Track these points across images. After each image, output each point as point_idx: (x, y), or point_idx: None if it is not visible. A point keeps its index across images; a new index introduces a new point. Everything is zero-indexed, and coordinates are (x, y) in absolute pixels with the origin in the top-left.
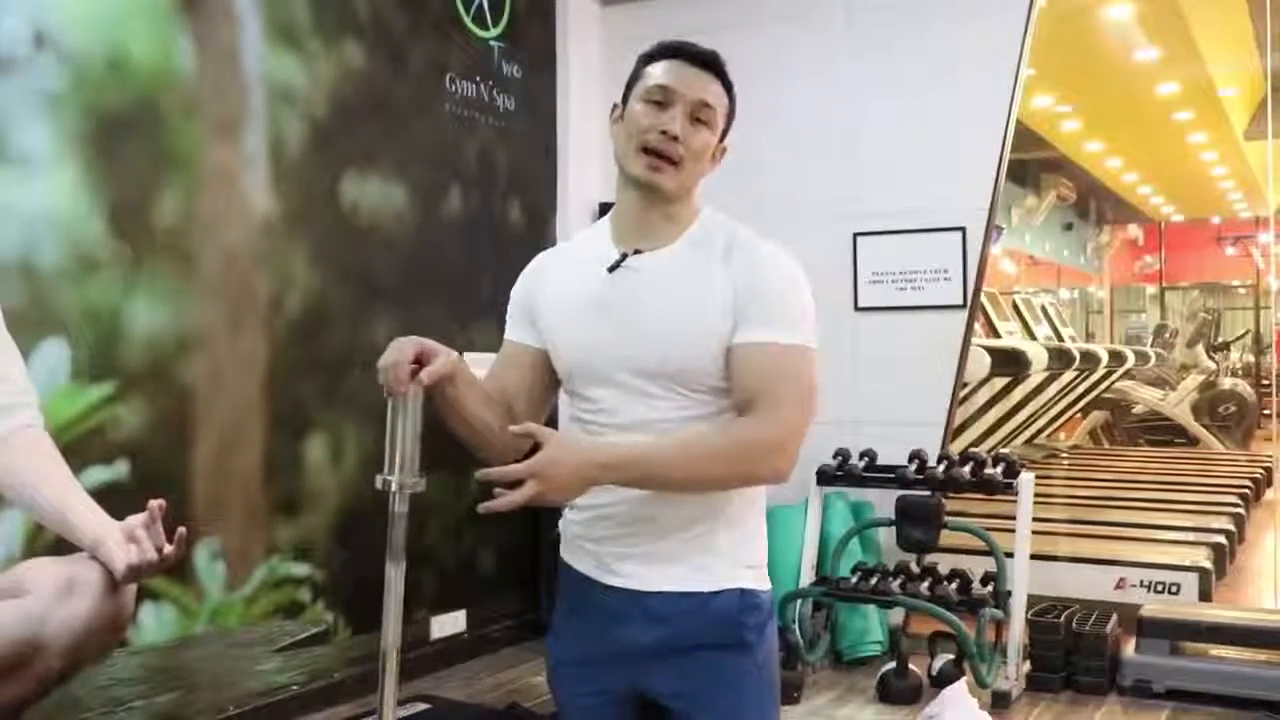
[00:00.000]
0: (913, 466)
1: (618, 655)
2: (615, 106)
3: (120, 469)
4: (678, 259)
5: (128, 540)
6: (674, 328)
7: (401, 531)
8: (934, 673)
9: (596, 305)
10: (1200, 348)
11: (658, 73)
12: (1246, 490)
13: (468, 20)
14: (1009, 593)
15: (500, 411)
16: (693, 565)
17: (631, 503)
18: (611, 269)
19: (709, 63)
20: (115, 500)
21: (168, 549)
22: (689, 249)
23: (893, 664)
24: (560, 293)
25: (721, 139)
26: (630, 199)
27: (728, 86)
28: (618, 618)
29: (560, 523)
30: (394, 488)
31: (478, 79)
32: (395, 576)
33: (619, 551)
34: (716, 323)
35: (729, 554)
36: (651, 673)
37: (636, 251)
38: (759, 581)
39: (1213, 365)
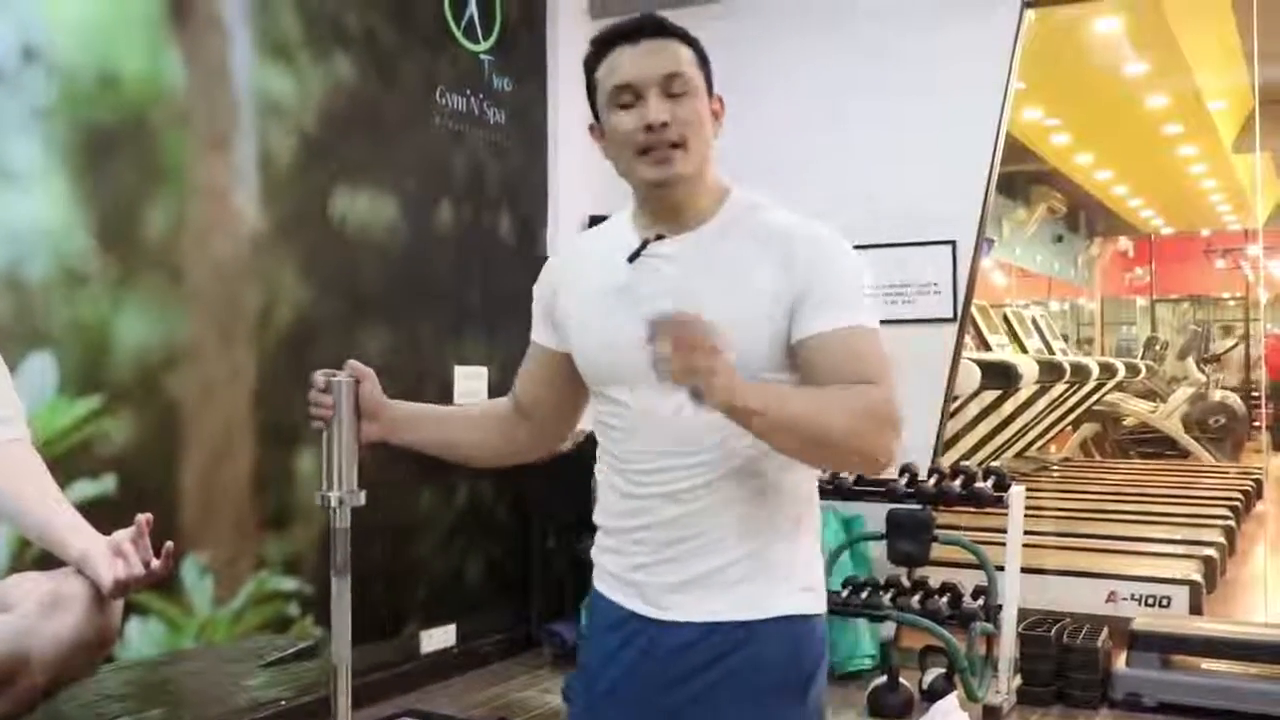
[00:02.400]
0: (903, 480)
1: (664, 694)
2: (592, 126)
3: (108, 483)
4: (709, 242)
5: (115, 555)
6: (713, 318)
7: (344, 546)
8: (925, 686)
9: (617, 297)
10: (1190, 360)
11: (610, 72)
12: (1237, 503)
13: (458, 33)
14: (1000, 606)
15: (499, 427)
16: (744, 590)
17: (666, 524)
18: (632, 258)
19: (652, 29)
20: (102, 515)
21: (155, 564)
22: (720, 231)
23: (884, 678)
24: (581, 288)
25: (709, 91)
26: (647, 197)
27: (680, 35)
28: (665, 655)
29: (592, 552)
30: (334, 503)
31: (468, 92)
32: (342, 591)
33: (662, 581)
34: (766, 310)
35: (784, 575)
36: (699, 715)
37: (659, 237)
38: (817, 605)
39: (1203, 377)
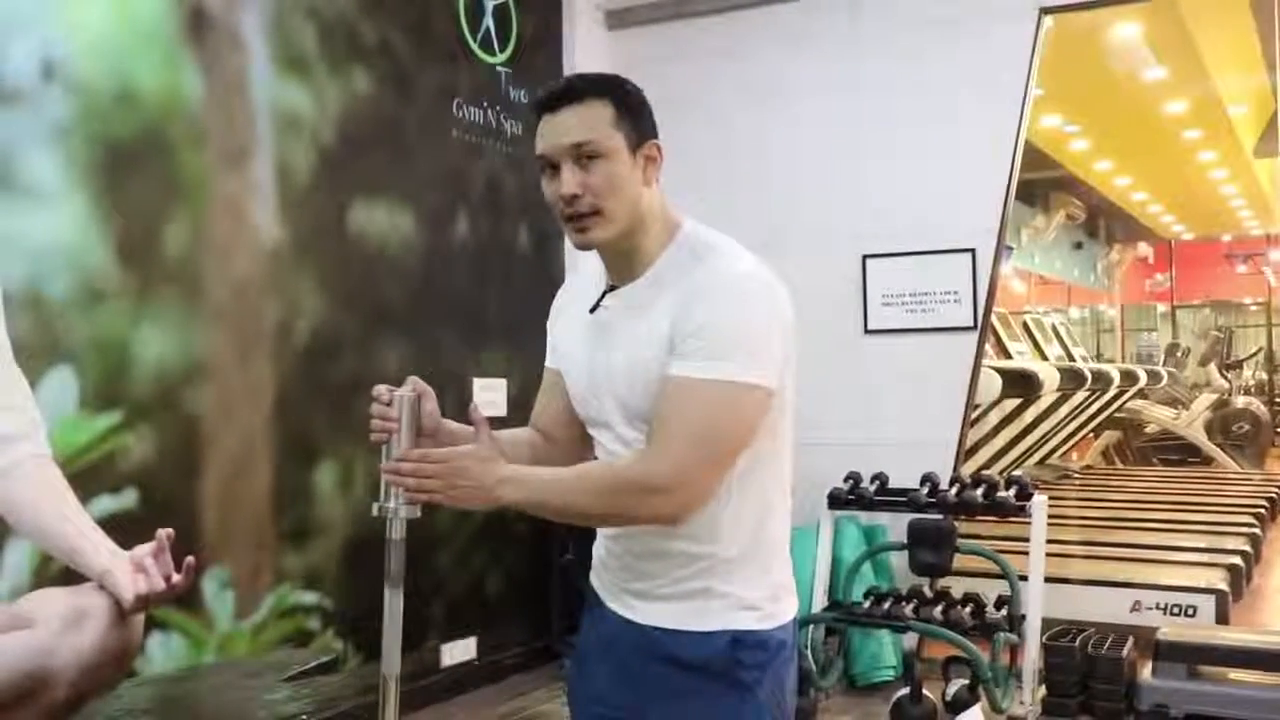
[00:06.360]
0: (925, 489)
1: (623, 678)
2: None
3: (128, 498)
4: (641, 293)
5: (136, 570)
6: (633, 369)
7: (400, 558)
8: (948, 698)
9: (583, 345)
10: (1213, 366)
11: (538, 139)
12: (1262, 510)
13: (475, 46)
14: (1023, 616)
15: (532, 452)
16: (687, 606)
17: (635, 539)
18: (592, 309)
19: (564, 97)
20: (123, 529)
21: (176, 578)
22: (651, 282)
23: (907, 689)
24: (565, 327)
25: (640, 142)
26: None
27: (600, 93)
28: (623, 645)
29: (593, 546)
30: (390, 514)
31: (485, 104)
32: (394, 602)
33: (623, 585)
34: (661, 357)
35: (727, 596)
36: (652, 701)
37: (612, 288)
38: (764, 621)
39: (1225, 383)
